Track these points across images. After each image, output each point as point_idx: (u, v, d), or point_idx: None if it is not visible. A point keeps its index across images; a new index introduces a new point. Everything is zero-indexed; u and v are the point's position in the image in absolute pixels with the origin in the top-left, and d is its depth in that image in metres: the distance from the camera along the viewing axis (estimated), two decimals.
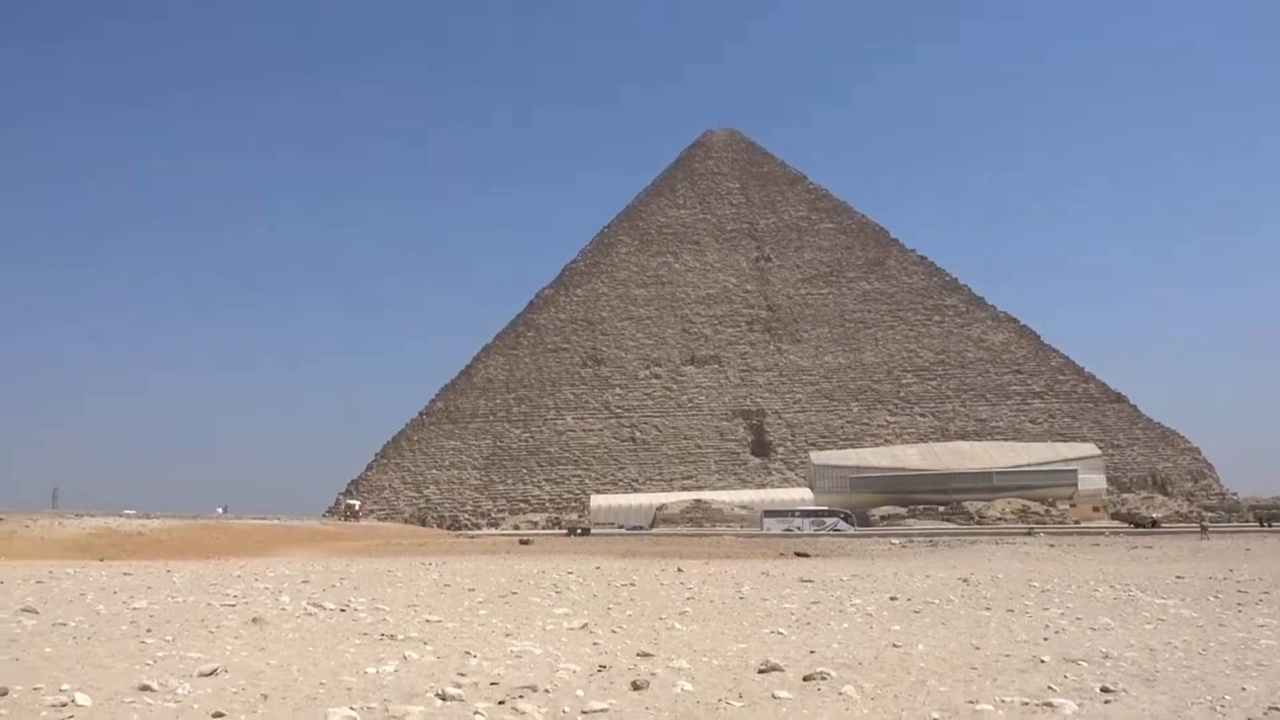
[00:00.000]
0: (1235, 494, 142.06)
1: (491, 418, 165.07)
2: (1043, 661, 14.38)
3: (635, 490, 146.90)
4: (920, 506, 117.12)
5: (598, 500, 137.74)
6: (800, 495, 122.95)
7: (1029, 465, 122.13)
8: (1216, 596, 24.87)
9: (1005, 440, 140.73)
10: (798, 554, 51.82)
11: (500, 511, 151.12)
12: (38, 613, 20.56)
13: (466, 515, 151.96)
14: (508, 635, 17.85)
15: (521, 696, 11.97)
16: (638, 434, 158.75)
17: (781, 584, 30.04)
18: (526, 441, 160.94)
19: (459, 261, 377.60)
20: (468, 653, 15.48)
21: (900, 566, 39.74)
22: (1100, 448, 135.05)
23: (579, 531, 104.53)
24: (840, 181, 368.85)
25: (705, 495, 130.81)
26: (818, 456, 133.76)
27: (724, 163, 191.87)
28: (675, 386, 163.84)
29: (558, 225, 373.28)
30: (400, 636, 17.46)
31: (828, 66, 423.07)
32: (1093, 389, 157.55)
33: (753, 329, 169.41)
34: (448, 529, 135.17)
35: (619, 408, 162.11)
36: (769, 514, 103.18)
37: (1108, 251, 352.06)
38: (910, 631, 18.12)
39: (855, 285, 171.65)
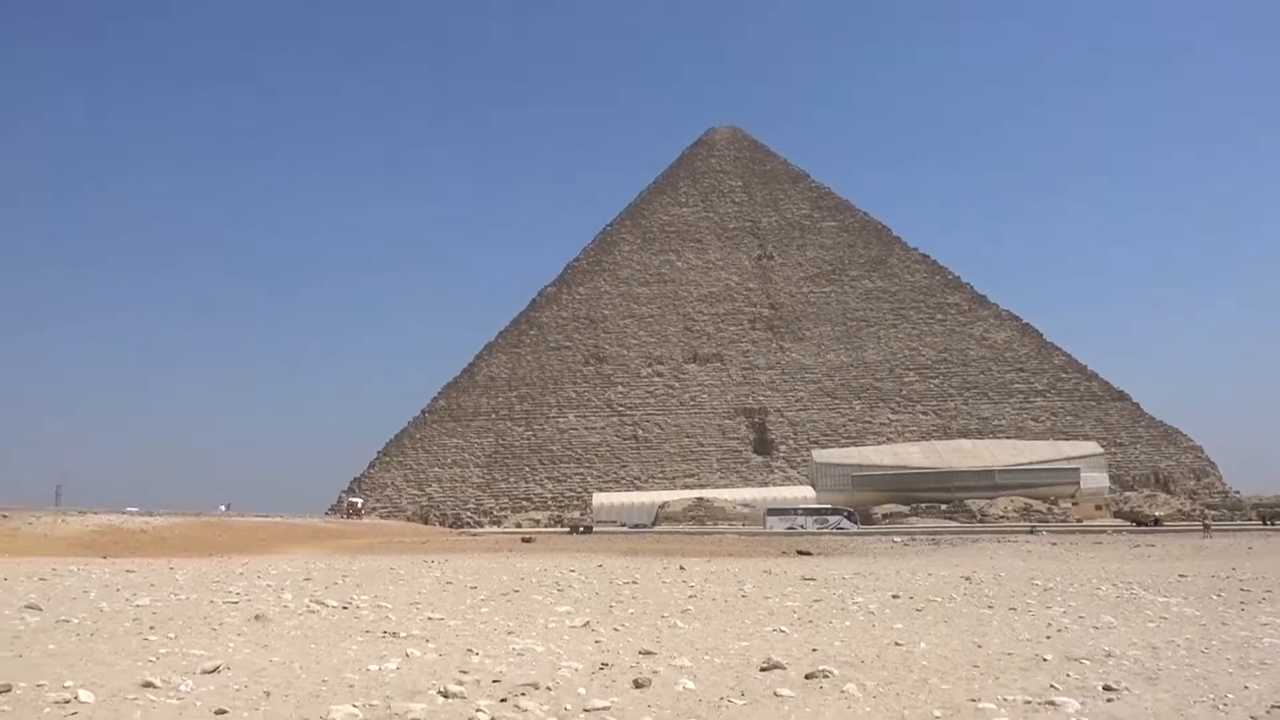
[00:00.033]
0: (1238, 492, 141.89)
1: (494, 416, 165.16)
2: (1045, 660, 14.36)
3: (637, 488, 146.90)
4: (923, 505, 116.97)
5: (600, 498, 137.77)
6: (802, 493, 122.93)
7: (1031, 463, 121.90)
8: (1219, 595, 24.84)
9: (1008, 438, 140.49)
10: (800, 552, 51.82)
11: (502, 509, 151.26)
12: (41, 610, 20.58)
13: (469, 513, 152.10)
14: (510, 633, 17.86)
15: (523, 694, 11.97)
16: (640, 432, 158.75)
17: (784, 582, 30.03)
18: (529, 439, 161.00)
19: (461, 260, 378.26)
20: (470, 650, 15.48)
21: (902, 565, 39.73)
22: (1103, 446, 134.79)
23: (581, 529, 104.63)
24: (842, 180, 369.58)
25: (707, 493, 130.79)
26: (820, 454, 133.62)
27: (726, 161, 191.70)
28: (677, 384, 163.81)
29: (560, 224, 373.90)
30: (402, 634, 17.47)
31: (830, 65, 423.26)
32: (1095, 387, 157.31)
33: (755, 327, 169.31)
34: (450, 527, 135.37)
35: (621, 406, 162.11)
36: (772, 512, 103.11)
37: (1109, 251, 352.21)
38: (912, 630, 18.10)
39: (858, 283, 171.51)
